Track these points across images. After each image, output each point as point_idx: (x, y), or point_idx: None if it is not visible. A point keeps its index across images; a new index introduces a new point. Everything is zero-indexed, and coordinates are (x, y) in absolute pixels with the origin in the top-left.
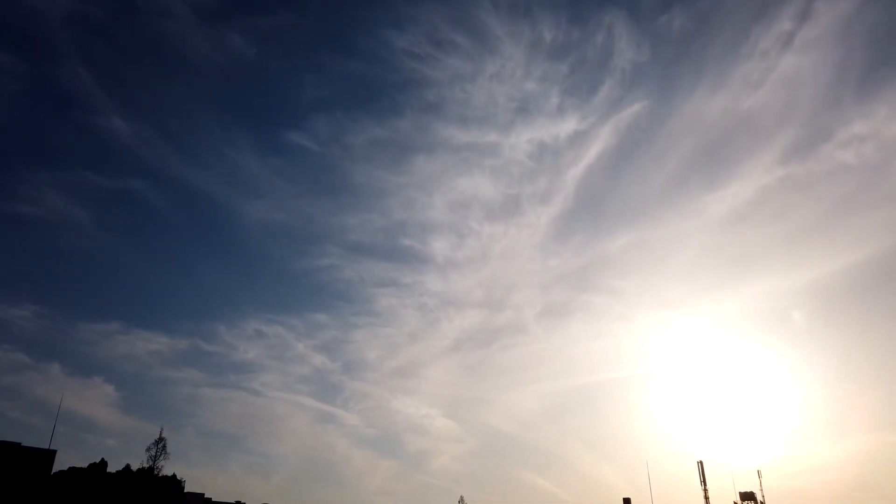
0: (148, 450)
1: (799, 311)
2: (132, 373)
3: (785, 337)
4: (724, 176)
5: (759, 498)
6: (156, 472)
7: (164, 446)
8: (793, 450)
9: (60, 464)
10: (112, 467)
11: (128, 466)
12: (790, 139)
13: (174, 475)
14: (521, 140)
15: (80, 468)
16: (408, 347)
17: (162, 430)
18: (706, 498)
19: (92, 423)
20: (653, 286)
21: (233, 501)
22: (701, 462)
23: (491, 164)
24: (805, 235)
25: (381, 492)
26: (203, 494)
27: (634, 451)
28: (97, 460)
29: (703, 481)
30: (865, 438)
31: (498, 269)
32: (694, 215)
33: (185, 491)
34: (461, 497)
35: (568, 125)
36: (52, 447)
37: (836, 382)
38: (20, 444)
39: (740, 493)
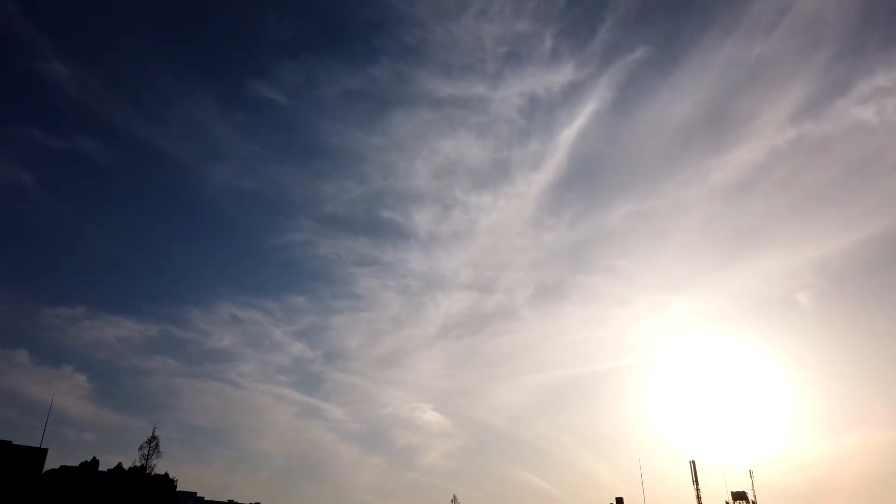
0: (140, 448)
1: (805, 293)
2: (103, 361)
3: (789, 323)
4: (730, 137)
5: (750, 497)
6: (148, 471)
7: (157, 445)
8: (792, 445)
9: (49, 462)
10: (66, 459)
11: (119, 465)
12: (804, 93)
13: (166, 474)
14: (512, 93)
15: (72, 467)
16: (391, 334)
17: (154, 428)
18: (698, 498)
19: (66, 416)
20: (652, 264)
21: (225, 501)
22: (693, 462)
23: (477, 122)
24: (816, 205)
25: (370, 490)
26: (195, 493)
27: (628, 448)
28: (73, 454)
29: (696, 481)
30: (875, 432)
31: (486, 245)
32: (697, 183)
33: (178, 490)
34: (454, 496)
35: (562, 75)
36: (31, 444)
37: (841, 373)
38: (11, 442)
39: (732, 492)
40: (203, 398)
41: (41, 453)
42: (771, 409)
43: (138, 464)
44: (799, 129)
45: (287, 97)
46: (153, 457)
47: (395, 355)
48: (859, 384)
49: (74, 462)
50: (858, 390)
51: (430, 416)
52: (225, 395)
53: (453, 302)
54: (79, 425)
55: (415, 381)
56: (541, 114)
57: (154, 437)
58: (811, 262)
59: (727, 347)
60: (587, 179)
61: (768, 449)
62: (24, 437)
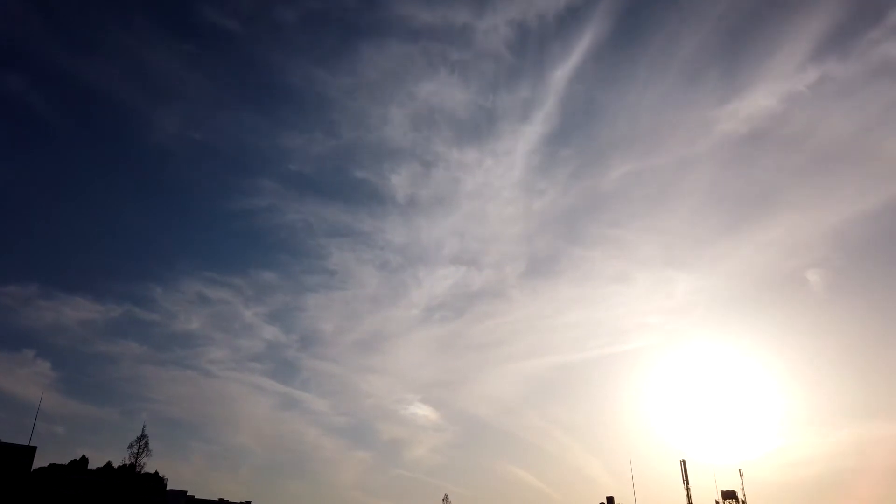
0: (130, 447)
1: (816, 271)
2: (65, 347)
3: (797, 307)
4: (742, 79)
5: (740, 496)
6: (137, 470)
7: (147, 444)
8: (793, 440)
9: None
10: (64, 458)
11: (109, 464)
12: (828, 25)
13: (156, 473)
14: (499, 21)
15: (61, 465)
16: (370, 316)
17: (144, 427)
18: (688, 497)
19: (32, 406)
20: (652, 234)
21: (215, 499)
22: (683, 461)
23: (460, 59)
24: (837, 161)
25: (356, 486)
26: (185, 492)
27: (620, 443)
28: (46, 449)
29: (686, 480)
30: (887, 427)
31: (472, 212)
32: (703, 136)
33: (168, 489)
34: (445, 495)
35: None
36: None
37: (853, 363)
38: None
39: (722, 491)
40: (175, 388)
41: (30, 451)
42: (771, 402)
43: (128, 462)
44: (821, 68)
45: (240, 23)
46: (142, 455)
47: (374, 340)
48: (872, 375)
49: (59, 459)
50: (870, 381)
51: (416, 408)
52: (197, 385)
53: (437, 279)
54: (48, 417)
55: (397, 368)
56: (532, 48)
57: (143, 436)
58: (827, 231)
59: (727, 333)
60: (582, 131)
61: (767, 444)
62: None
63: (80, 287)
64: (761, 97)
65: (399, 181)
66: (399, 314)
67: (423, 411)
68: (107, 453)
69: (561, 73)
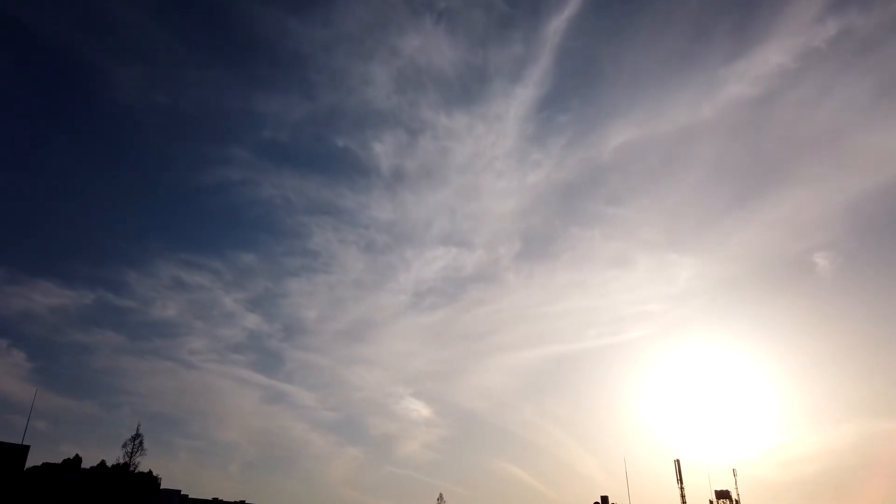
0: (124, 446)
1: (825, 254)
2: (38, 336)
3: (803, 294)
4: (754, 31)
5: (734, 496)
6: (132, 469)
7: (141, 443)
8: (792, 437)
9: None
10: (46, 456)
11: (103, 462)
12: None
13: (150, 472)
14: None
15: (54, 464)
16: (355, 303)
17: (139, 426)
18: (682, 497)
19: (10, 400)
20: (654, 211)
21: (209, 499)
22: (678, 461)
23: (447, 7)
24: (855, 127)
25: (349, 484)
26: (179, 491)
27: (616, 440)
28: (33, 446)
29: (680, 480)
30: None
31: (462, 186)
32: (709, 98)
33: (162, 488)
34: (440, 495)
35: None
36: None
37: (861, 357)
38: None
39: (716, 491)
40: (155, 380)
41: (23, 450)
42: (770, 397)
43: (121, 461)
44: (841, 21)
45: None
46: (137, 454)
47: (360, 328)
48: (879, 368)
49: (43, 456)
50: (876, 375)
51: (408, 402)
52: (178, 377)
53: (426, 262)
54: (26, 411)
55: (386, 359)
56: None
57: (138, 435)
58: (838, 209)
59: (728, 324)
60: (579, 94)
61: (765, 441)
62: None
63: (48, 271)
64: (773, 54)
65: (383, 150)
66: (386, 300)
67: (415, 406)
68: (90, 449)
69: (557, 24)
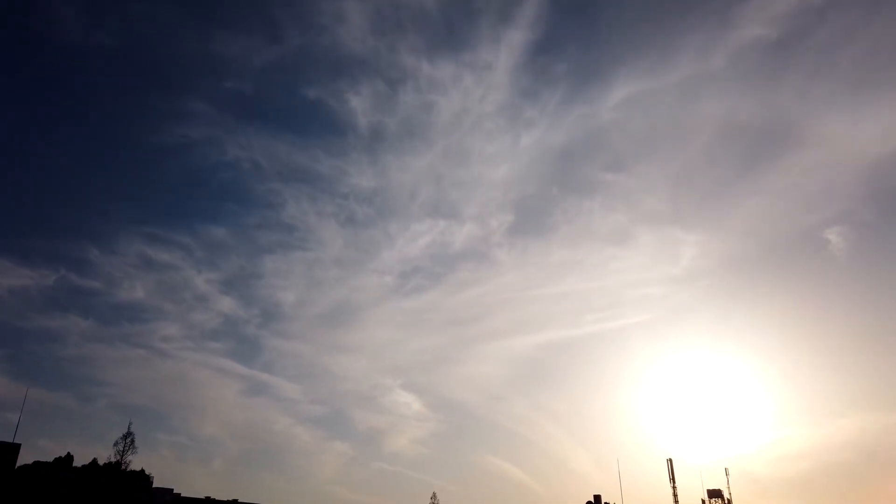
0: (115, 444)
1: (839, 229)
2: (1, 321)
3: (813, 275)
4: None
5: (725, 495)
6: (123, 467)
7: (133, 441)
8: (789, 431)
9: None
10: (26, 452)
11: (94, 461)
12: None
13: (142, 470)
14: None
15: (46, 462)
16: (336, 284)
17: (130, 424)
18: (675, 496)
19: None
20: (657, 178)
21: (202, 497)
22: (670, 460)
23: None
24: (885, 75)
25: (335, 480)
26: (171, 490)
27: (609, 435)
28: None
29: (672, 479)
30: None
31: (449, 147)
32: (720, 41)
33: (154, 486)
34: (433, 494)
35: None
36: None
37: (873, 346)
38: None
39: (707, 490)
40: (128, 370)
41: (14, 448)
42: (769, 392)
43: (113, 459)
44: None
45: None
46: (128, 452)
47: (342, 313)
48: (887, 359)
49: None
50: (882, 368)
51: (397, 395)
52: (153, 366)
53: (411, 237)
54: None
55: (370, 347)
56: None
57: (129, 433)
58: (853, 176)
59: (730, 311)
60: (576, 38)
61: (762, 436)
62: None
63: (1, 246)
64: None
65: (360, 104)
66: (369, 281)
67: (404, 398)
68: (70, 445)
69: None
